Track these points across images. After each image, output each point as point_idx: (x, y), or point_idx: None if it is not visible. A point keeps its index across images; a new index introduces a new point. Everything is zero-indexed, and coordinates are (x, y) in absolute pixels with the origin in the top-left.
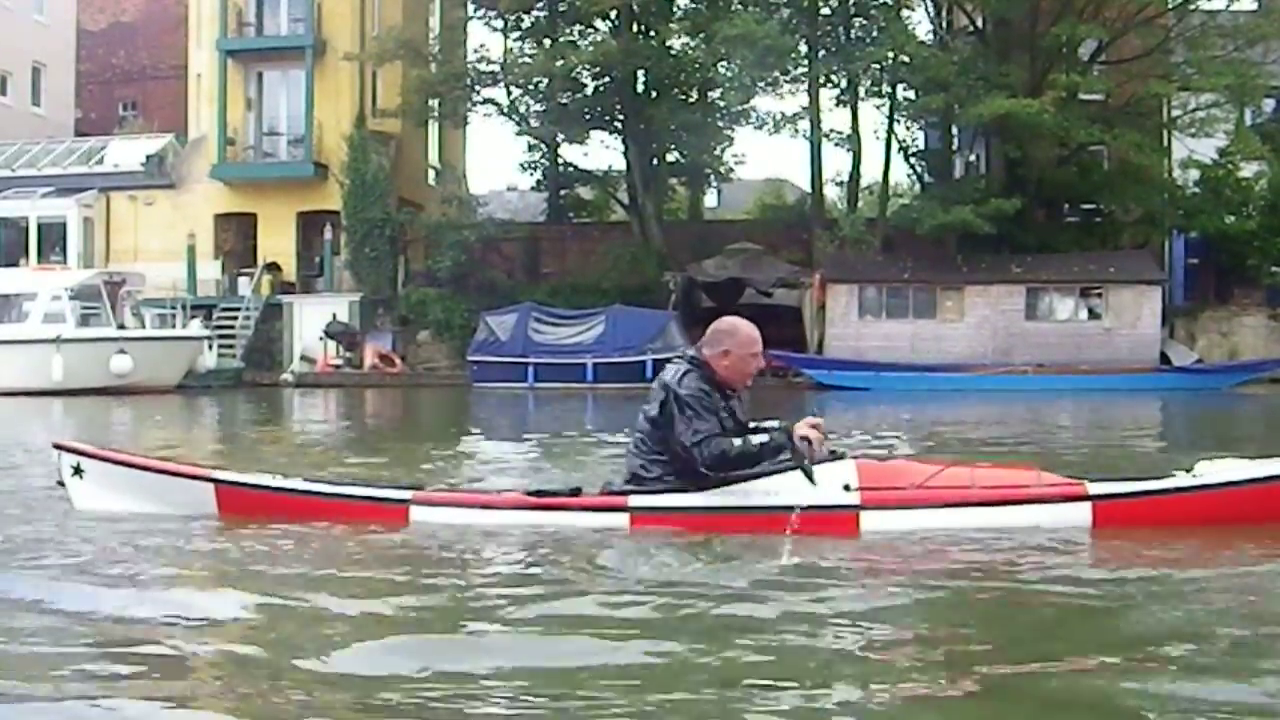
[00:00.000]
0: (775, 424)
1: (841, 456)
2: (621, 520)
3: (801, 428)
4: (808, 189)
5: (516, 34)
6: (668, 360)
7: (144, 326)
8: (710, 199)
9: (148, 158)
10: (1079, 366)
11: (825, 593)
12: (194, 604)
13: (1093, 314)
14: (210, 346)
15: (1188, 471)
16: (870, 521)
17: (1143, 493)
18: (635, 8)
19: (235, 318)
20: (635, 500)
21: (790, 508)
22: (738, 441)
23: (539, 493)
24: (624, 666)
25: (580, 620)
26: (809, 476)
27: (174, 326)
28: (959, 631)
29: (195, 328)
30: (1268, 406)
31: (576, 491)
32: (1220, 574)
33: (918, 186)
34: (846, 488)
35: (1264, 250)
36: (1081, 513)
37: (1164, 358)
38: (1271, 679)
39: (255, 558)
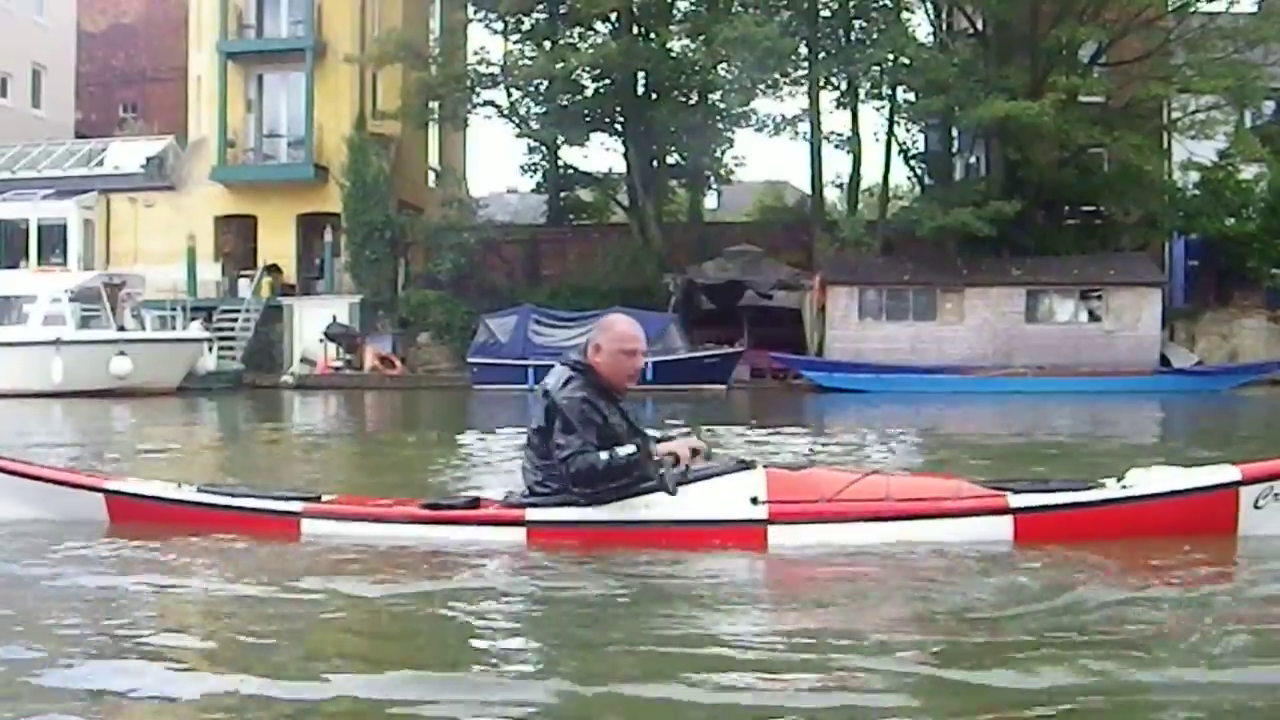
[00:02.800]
0: (655, 434)
1: (751, 466)
2: (518, 535)
3: (678, 446)
4: (808, 191)
5: (516, 36)
6: (667, 362)
7: (144, 328)
8: (710, 201)
9: (148, 160)
10: (1079, 369)
11: (724, 616)
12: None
13: (1093, 316)
14: (210, 348)
15: (1119, 480)
16: (778, 537)
17: (1068, 505)
18: (635, 10)
19: (235, 320)
20: (533, 514)
21: (692, 522)
22: (605, 455)
23: (434, 505)
24: (500, 697)
25: (459, 649)
26: (666, 489)
27: (174, 328)
28: (863, 663)
29: (195, 330)
30: (1268, 409)
31: (474, 503)
32: (1148, 600)
33: (918, 189)
34: (754, 500)
35: (1264, 252)
36: (1002, 527)
37: (1164, 360)
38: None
39: (128, 572)
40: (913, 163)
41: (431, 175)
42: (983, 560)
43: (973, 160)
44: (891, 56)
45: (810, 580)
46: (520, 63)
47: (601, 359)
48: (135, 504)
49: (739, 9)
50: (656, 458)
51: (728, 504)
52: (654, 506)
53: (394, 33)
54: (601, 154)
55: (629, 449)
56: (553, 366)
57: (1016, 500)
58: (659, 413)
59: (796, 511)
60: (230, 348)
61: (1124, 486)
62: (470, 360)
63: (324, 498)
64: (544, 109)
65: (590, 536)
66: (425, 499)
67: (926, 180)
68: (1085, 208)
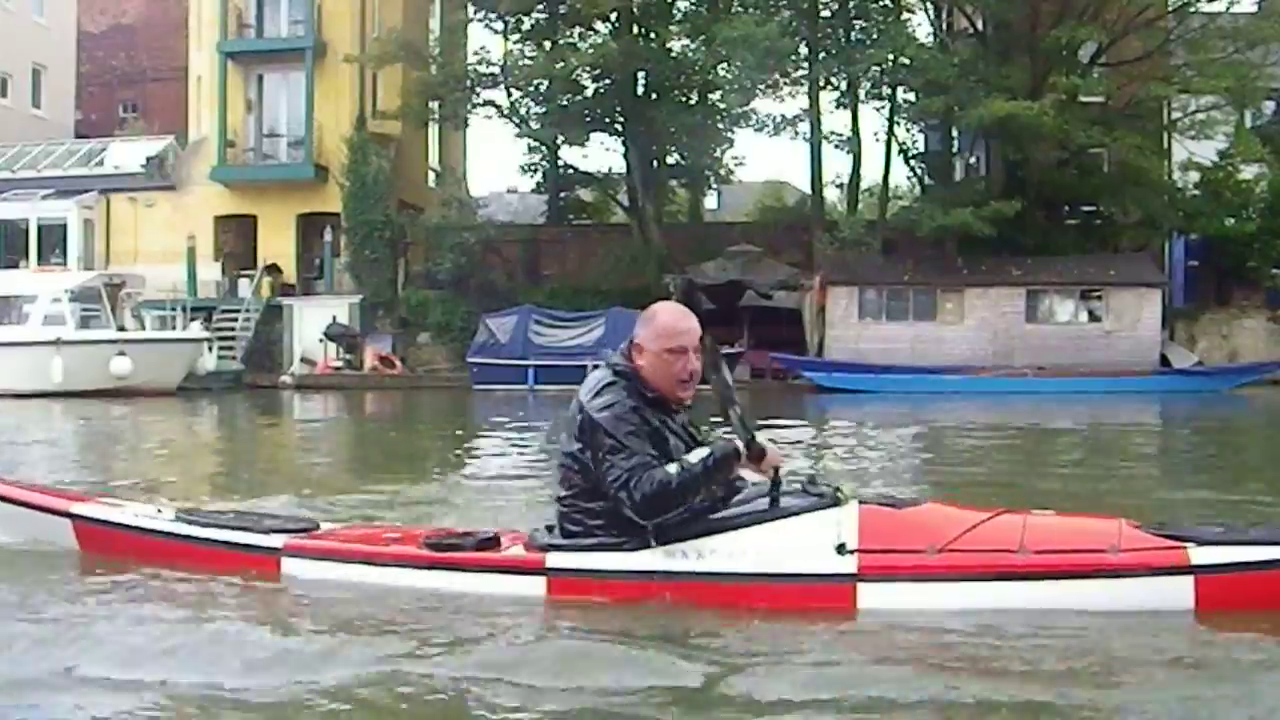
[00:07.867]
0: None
1: (838, 500)
2: (537, 586)
3: (773, 456)
4: (808, 191)
5: (516, 36)
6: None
7: (144, 328)
8: (710, 201)
9: (148, 159)
10: (1079, 369)
11: (794, 709)
12: None
13: (1093, 316)
14: (210, 348)
15: None
16: (872, 598)
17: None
18: (635, 10)
19: (235, 320)
20: (555, 559)
21: (754, 576)
22: (674, 468)
23: (439, 545)
24: None
25: None
26: (747, 434)
27: (174, 328)
28: None
29: (195, 330)
30: (1268, 409)
31: (489, 543)
32: None
33: (918, 189)
34: (841, 548)
35: (1264, 252)
36: (1180, 592)
37: (1164, 360)
38: None
39: (82, 617)
40: (913, 163)
41: (431, 175)
42: (1156, 638)
43: (973, 160)
44: (891, 56)
45: (908, 665)
46: (520, 63)
47: (646, 362)
48: (104, 531)
49: (739, 9)
50: (742, 452)
51: (804, 553)
52: (707, 555)
53: (394, 33)
54: (601, 154)
55: (702, 452)
56: (594, 368)
57: (1200, 554)
58: None
59: (898, 565)
60: (230, 348)
61: None
62: (470, 360)
63: (323, 526)
64: (544, 109)
65: (625, 590)
66: (431, 533)
67: (926, 180)
68: (1085, 208)
